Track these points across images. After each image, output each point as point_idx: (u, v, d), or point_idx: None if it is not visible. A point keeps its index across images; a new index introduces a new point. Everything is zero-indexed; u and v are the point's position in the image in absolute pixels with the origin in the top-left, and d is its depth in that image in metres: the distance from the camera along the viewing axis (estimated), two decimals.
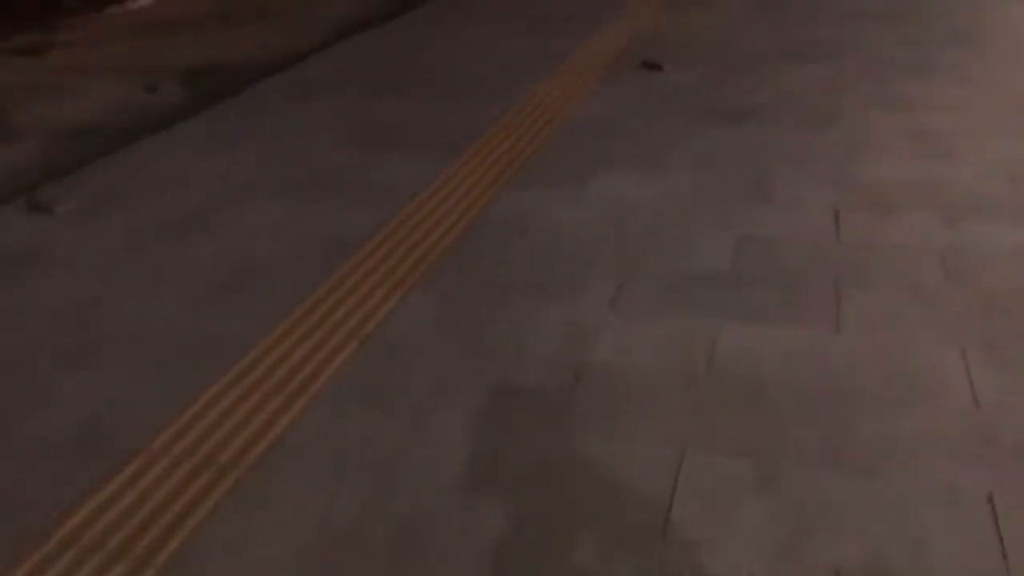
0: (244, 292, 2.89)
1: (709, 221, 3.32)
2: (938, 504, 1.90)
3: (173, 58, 6.21)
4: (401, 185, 3.72)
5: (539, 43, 5.92)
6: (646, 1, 7.09)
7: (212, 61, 6.10)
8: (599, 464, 2.06)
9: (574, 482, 2.00)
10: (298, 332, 2.64)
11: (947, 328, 2.56)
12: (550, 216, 3.40)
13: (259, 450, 2.15)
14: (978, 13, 6.23)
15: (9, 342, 2.67)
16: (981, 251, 3.00)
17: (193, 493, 2.01)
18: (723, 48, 5.69)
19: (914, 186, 3.53)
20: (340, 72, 5.46)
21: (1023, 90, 4.58)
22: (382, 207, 3.50)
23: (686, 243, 3.15)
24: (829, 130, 4.18)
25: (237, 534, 1.89)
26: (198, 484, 2.04)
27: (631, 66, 5.35)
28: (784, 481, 1.98)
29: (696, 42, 5.86)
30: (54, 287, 2.99)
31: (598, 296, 2.81)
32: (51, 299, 2.91)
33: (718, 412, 2.22)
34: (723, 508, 1.91)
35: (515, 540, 1.84)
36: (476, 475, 2.03)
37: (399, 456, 2.11)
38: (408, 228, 3.32)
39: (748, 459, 2.05)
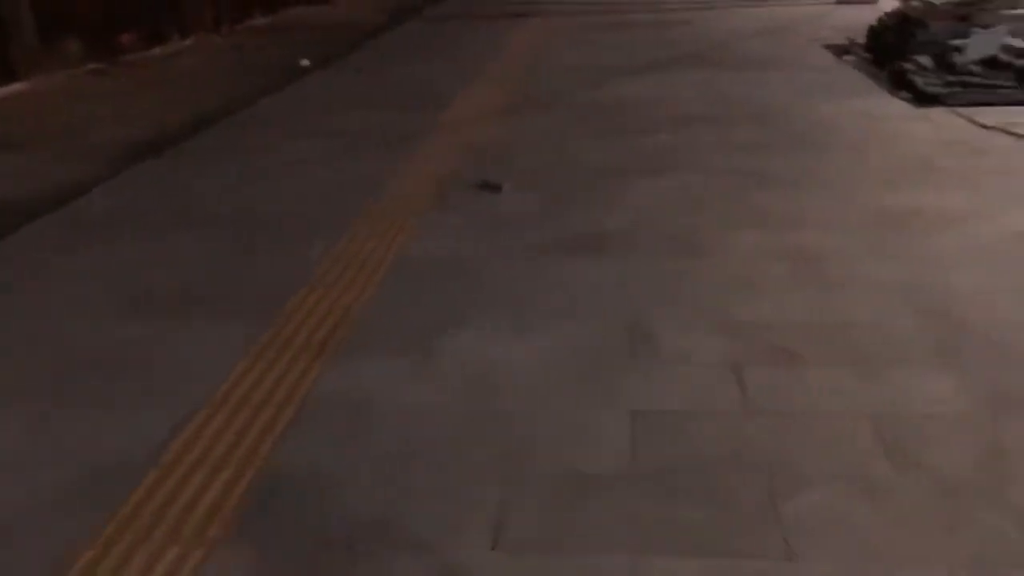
0: None
1: (593, 392, 2.70)
2: None
3: None
4: (195, 371, 2.90)
5: (358, 167, 5.26)
6: (469, 112, 6.62)
7: None
8: None
9: None
10: None
11: (918, 539, 2.02)
12: (394, 400, 2.68)
13: None
14: (808, 112, 6.12)
15: None
16: (915, 415, 2.52)
17: None
18: (561, 161, 5.24)
19: (812, 327, 3.06)
20: (122, 210, 4.58)
21: (881, 201, 4.32)
22: (168, 410, 2.66)
23: (572, 428, 2.51)
24: (698, 258, 3.72)
25: None
26: None
27: (466, 188, 4.78)
28: None
29: (531, 155, 5.39)
30: None
31: (474, 528, 2.10)
32: None
33: None
34: None
35: None
36: None
37: None
38: (204, 443, 2.50)
39: None
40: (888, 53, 7.51)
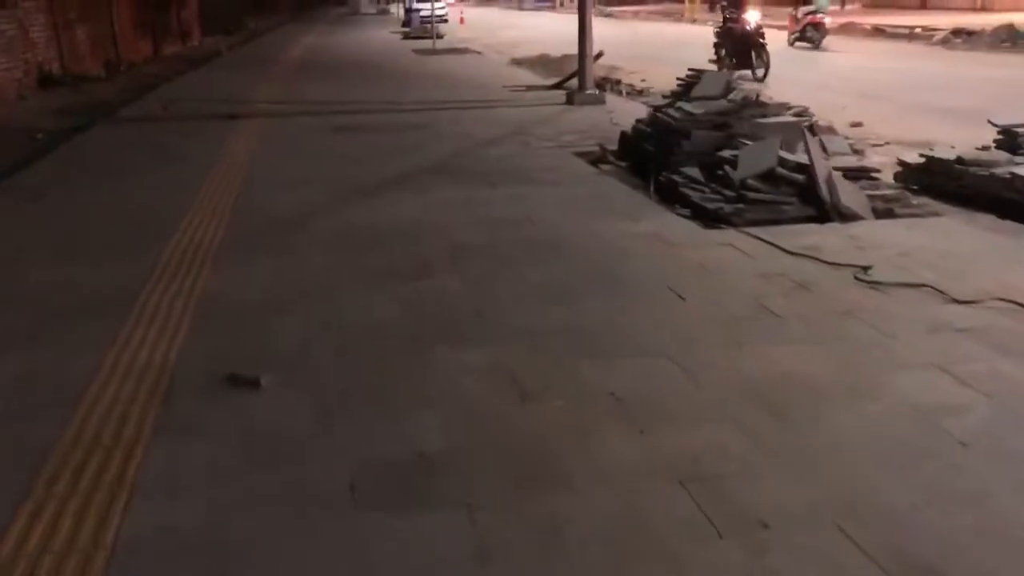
0: None
1: None
2: None
3: None
4: None
5: (36, 363, 3.70)
6: (190, 254, 5.23)
7: None
8: None
9: None
10: None
11: None
12: None
13: None
14: (593, 237, 5.37)
15: None
16: None
17: None
18: (328, 326, 4.05)
19: None
20: None
21: (739, 367, 3.57)
22: None
23: None
24: (565, 492, 2.71)
25: None
26: None
27: (208, 385, 3.45)
28: None
29: (285, 317, 4.16)
30: None
31: None
32: None
33: None
34: None
35: None
36: None
37: None
38: None
39: None
40: (649, 163, 7.09)
